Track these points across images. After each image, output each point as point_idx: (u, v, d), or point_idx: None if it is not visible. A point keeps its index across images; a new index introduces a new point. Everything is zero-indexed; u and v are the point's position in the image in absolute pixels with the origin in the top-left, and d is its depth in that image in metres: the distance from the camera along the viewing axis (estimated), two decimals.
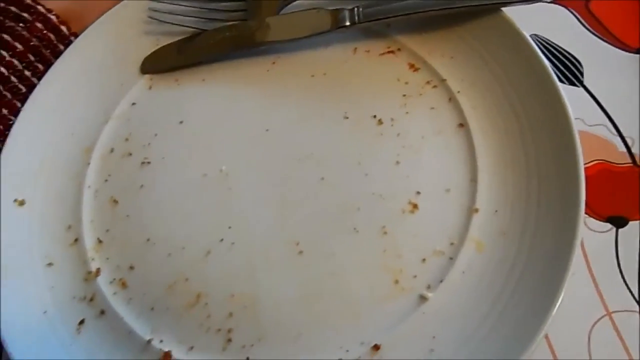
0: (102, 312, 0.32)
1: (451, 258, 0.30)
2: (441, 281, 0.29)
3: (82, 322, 0.31)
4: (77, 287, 0.32)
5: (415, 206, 0.31)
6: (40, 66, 0.39)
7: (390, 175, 0.33)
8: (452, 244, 0.30)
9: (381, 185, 0.32)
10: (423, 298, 0.29)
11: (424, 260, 0.30)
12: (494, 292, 0.28)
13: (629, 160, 0.33)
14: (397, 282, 0.30)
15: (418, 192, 0.32)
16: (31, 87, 0.38)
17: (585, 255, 0.30)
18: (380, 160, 0.33)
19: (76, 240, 0.34)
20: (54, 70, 0.38)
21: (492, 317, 0.28)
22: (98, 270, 0.33)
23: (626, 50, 0.36)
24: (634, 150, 0.33)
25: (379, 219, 0.31)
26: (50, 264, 0.33)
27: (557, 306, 0.26)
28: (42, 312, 0.32)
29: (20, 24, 0.40)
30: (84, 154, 0.37)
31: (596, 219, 0.31)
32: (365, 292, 0.30)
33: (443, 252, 0.30)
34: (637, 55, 0.36)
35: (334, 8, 0.36)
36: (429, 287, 0.29)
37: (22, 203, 0.35)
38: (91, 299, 0.32)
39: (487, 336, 0.27)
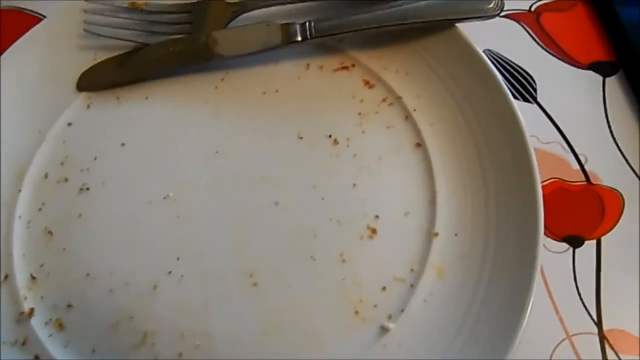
0: (37, 358, 0.29)
1: (412, 285, 0.29)
2: (402, 310, 0.28)
3: None
4: (8, 330, 0.30)
5: (373, 231, 0.30)
6: None
7: (348, 199, 0.31)
8: (412, 270, 0.29)
9: (338, 209, 0.31)
10: (384, 329, 0.28)
11: (384, 288, 0.29)
12: (457, 321, 0.28)
13: (583, 179, 0.33)
14: (357, 312, 0.29)
15: (376, 216, 0.31)
16: None
17: (543, 277, 0.30)
18: (337, 182, 0.32)
19: (6, 277, 0.31)
20: None
21: (455, 349, 0.27)
22: (31, 311, 0.30)
23: (577, 67, 0.36)
24: (587, 167, 0.33)
25: (337, 246, 0.30)
26: None
27: (521, 332, 0.26)
28: None
29: None
30: (15, 179, 0.33)
31: (553, 239, 0.31)
32: (324, 324, 0.28)
33: (403, 279, 0.29)
34: (588, 72, 0.36)
35: (285, 22, 0.34)
36: (390, 317, 0.28)
37: None
38: (23, 343, 0.29)
39: None
